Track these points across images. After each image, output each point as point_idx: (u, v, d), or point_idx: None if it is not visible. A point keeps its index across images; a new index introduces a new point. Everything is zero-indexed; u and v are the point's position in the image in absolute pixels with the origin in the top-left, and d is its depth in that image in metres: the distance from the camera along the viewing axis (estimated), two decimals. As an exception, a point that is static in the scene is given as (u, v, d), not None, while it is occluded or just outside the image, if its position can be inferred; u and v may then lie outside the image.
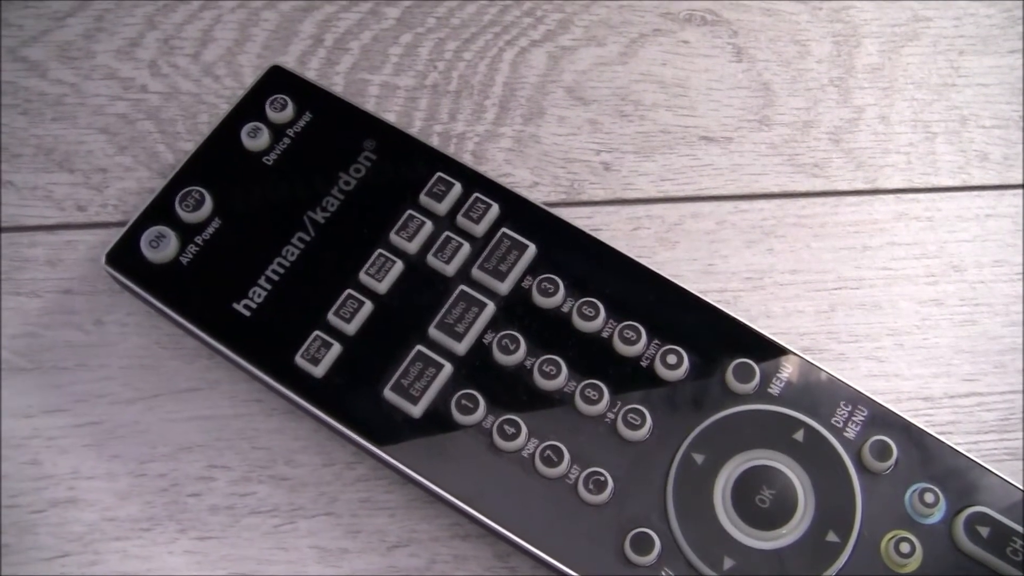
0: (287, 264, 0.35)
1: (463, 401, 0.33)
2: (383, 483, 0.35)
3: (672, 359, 0.33)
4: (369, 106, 0.40)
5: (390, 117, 0.40)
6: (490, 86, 0.41)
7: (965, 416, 0.36)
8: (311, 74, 0.41)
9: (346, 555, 0.34)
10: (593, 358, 0.34)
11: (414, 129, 0.40)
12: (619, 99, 0.41)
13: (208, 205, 0.36)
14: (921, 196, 0.39)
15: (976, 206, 0.39)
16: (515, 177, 0.39)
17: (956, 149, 0.40)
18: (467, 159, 0.39)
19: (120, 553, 0.34)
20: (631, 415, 0.33)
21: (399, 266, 0.35)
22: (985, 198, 0.39)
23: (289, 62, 0.41)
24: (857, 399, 0.33)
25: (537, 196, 0.38)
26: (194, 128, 0.40)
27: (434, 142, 0.39)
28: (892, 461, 0.32)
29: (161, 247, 0.36)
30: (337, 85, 0.41)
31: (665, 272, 0.35)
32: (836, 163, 0.40)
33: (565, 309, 0.34)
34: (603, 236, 0.36)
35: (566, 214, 0.36)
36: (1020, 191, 0.39)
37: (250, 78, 0.40)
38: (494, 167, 0.39)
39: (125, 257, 0.36)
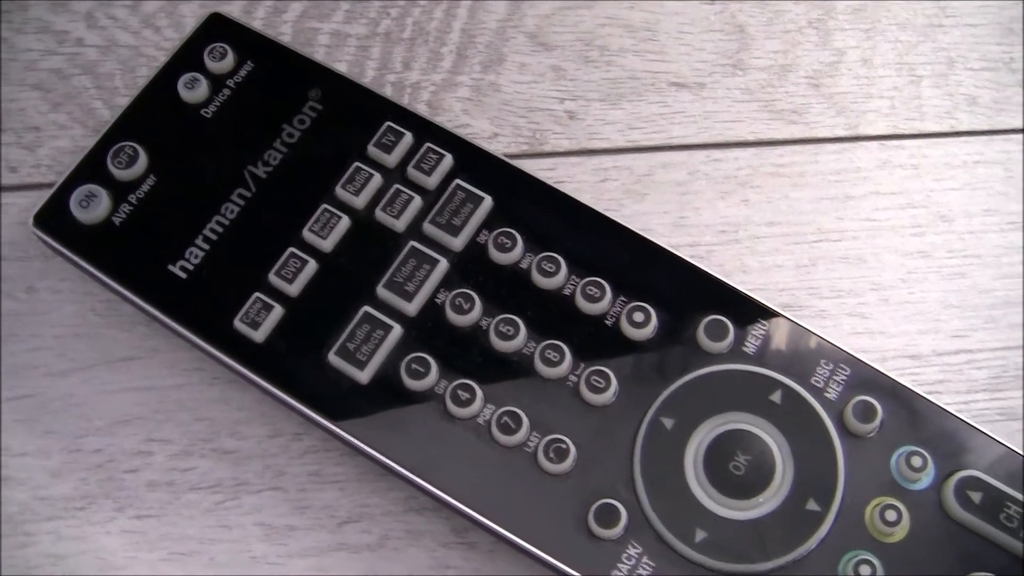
0: (226, 222, 0.33)
1: (414, 365, 0.31)
2: (332, 455, 0.33)
3: (639, 317, 0.31)
4: (319, 56, 0.37)
5: (341, 67, 0.37)
6: (447, 32, 0.38)
7: (954, 375, 0.34)
8: (257, 23, 0.38)
9: (293, 532, 0.32)
10: (554, 317, 0.31)
11: (366, 79, 0.37)
12: (584, 44, 0.38)
13: (142, 161, 0.34)
14: (906, 143, 0.37)
15: (964, 152, 0.37)
16: (473, 128, 0.37)
17: (943, 93, 0.38)
18: (422, 109, 0.36)
19: (52, 534, 0.32)
20: (595, 378, 0.30)
21: (345, 222, 0.33)
22: (974, 144, 0.37)
23: (233, 11, 0.38)
24: (839, 358, 0.31)
25: (497, 147, 0.36)
26: (132, 83, 0.38)
27: (387, 92, 0.37)
28: (877, 423, 0.30)
29: (92, 207, 0.33)
30: (284, 35, 0.38)
31: (633, 226, 0.33)
32: (816, 109, 0.37)
33: (524, 265, 0.32)
34: (567, 188, 0.34)
35: (528, 166, 0.34)
36: (1011, 136, 0.37)
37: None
38: (451, 118, 0.37)
39: (54, 219, 0.34)
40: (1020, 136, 0.37)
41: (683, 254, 0.33)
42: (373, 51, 0.38)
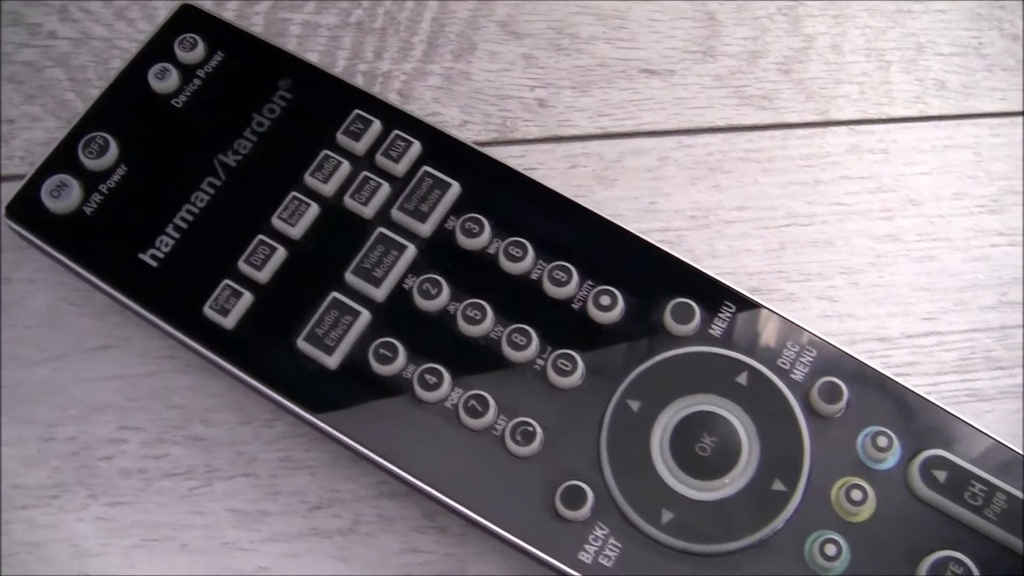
0: (196, 211, 0.33)
1: (381, 350, 0.31)
2: (303, 441, 0.33)
3: (606, 301, 0.31)
4: (290, 46, 0.38)
5: (312, 57, 0.37)
6: (418, 22, 0.39)
7: (924, 356, 0.34)
8: (229, 14, 0.38)
9: (265, 518, 0.32)
10: (521, 302, 0.32)
11: (337, 69, 0.38)
12: (555, 32, 0.38)
13: (113, 151, 0.34)
14: (875, 127, 0.37)
15: (934, 137, 0.37)
16: (444, 116, 0.37)
17: (912, 78, 0.38)
18: (393, 98, 0.37)
19: (26, 522, 0.32)
20: (561, 361, 0.31)
21: (314, 209, 0.33)
22: (943, 128, 0.37)
23: (205, 3, 0.38)
24: (805, 340, 0.31)
25: (467, 135, 0.36)
26: (105, 74, 0.38)
27: (358, 82, 0.37)
28: (843, 404, 0.30)
29: (63, 197, 0.33)
30: (256, 26, 0.38)
31: (603, 211, 0.33)
32: (785, 95, 0.38)
33: (491, 250, 0.32)
34: (538, 175, 0.34)
35: (498, 153, 0.34)
36: (980, 120, 0.37)
37: (165, 21, 0.38)
38: (422, 106, 0.37)
39: (25, 209, 0.34)
40: (989, 120, 0.37)
41: (651, 239, 0.33)
42: (344, 41, 0.38)
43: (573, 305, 0.32)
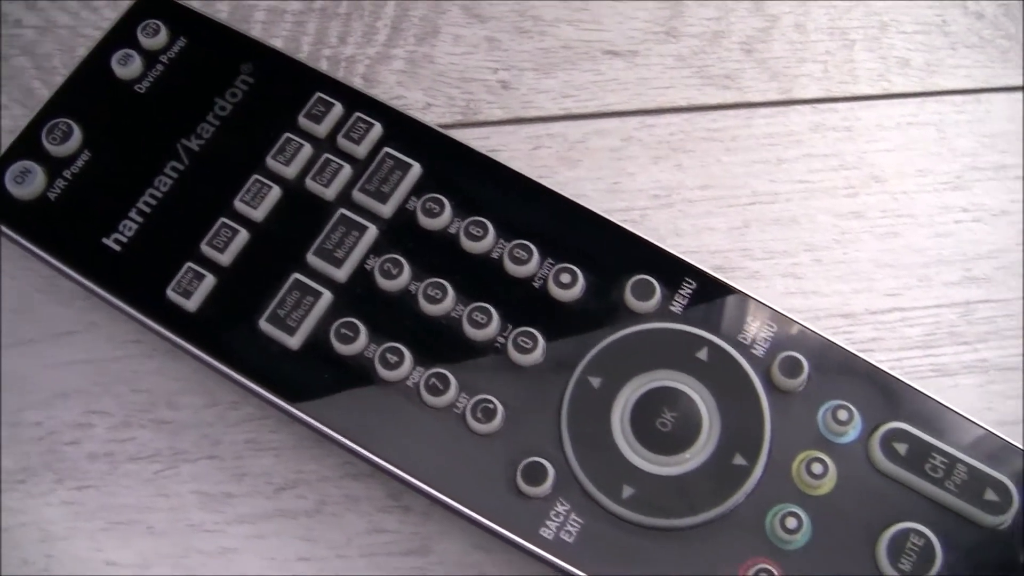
0: (159, 195, 0.33)
1: (343, 330, 0.31)
2: (269, 423, 0.33)
3: (566, 279, 0.31)
4: (255, 31, 0.38)
5: (277, 42, 0.38)
6: (382, 6, 0.39)
7: (888, 332, 0.34)
8: (194, 2, 0.38)
9: (230, 500, 0.32)
10: (482, 280, 0.32)
11: (302, 54, 0.38)
12: (518, 15, 0.38)
13: (77, 137, 0.34)
14: (839, 105, 0.37)
15: (898, 114, 0.37)
16: (408, 99, 0.37)
17: (876, 56, 0.38)
18: (357, 83, 0.37)
19: (-6, 507, 0.32)
20: (522, 338, 0.31)
21: (276, 191, 0.33)
22: (907, 106, 0.37)
23: (171, -11, 0.38)
24: (765, 315, 0.31)
25: (431, 118, 0.36)
26: (71, 62, 0.38)
27: (322, 66, 0.37)
28: (803, 378, 0.30)
29: (27, 183, 0.33)
30: (222, 12, 0.39)
31: (566, 191, 0.33)
32: (749, 74, 0.38)
33: (452, 230, 0.32)
34: (501, 157, 0.34)
35: (463, 135, 0.34)
36: (944, 97, 0.37)
37: (130, 8, 0.38)
38: (386, 90, 0.37)
39: (-11, 196, 0.34)
40: (953, 97, 0.37)
41: (615, 218, 0.33)
42: (309, 26, 0.38)
43: (534, 283, 0.32)
